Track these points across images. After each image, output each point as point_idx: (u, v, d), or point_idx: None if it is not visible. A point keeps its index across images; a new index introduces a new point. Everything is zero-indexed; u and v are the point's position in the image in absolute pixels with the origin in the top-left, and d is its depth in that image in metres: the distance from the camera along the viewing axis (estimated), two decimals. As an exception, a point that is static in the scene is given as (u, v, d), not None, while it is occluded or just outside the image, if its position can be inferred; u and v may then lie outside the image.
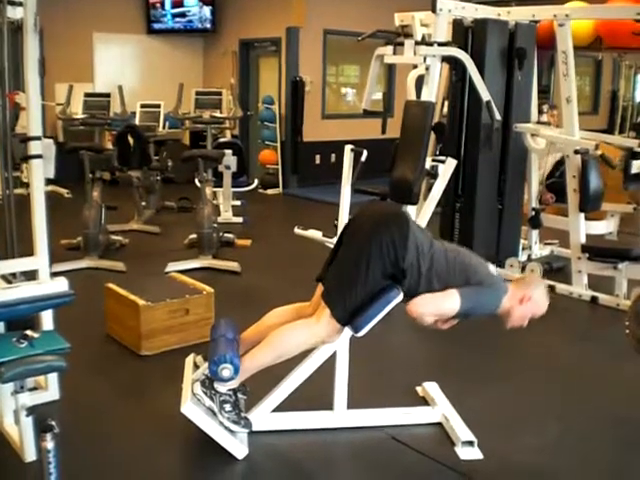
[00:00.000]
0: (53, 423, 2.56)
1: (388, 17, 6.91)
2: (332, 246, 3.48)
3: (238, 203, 8.78)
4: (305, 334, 3.25)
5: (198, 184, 6.96)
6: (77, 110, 8.92)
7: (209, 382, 3.23)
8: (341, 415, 3.47)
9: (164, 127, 9.87)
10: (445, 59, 5.71)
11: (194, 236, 6.53)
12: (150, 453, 3.28)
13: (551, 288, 5.83)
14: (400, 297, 3.17)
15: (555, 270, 6.31)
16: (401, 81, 8.42)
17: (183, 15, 11.47)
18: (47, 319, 3.50)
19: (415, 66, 6.47)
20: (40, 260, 3.47)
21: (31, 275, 3.47)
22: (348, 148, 5.68)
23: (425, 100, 5.54)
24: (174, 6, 11.42)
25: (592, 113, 14.53)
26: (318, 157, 11.12)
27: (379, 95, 10.17)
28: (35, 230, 3.46)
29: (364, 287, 3.14)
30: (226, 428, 3.18)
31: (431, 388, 3.83)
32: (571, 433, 3.56)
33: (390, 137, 6.15)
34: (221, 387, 3.22)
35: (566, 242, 6.06)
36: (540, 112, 6.97)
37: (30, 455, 3.02)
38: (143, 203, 8.02)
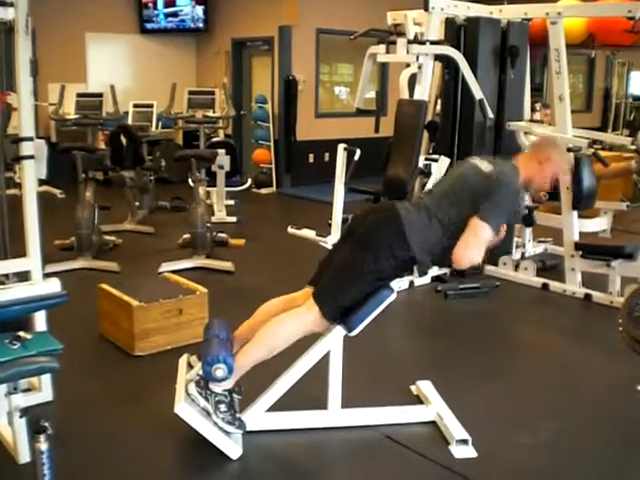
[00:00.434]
0: (47, 424, 2.55)
1: (381, 16, 6.92)
2: (327, 246, 3.51)
3: (232, 203, 8.77)
4: (295, 325, 3.26)
5: (191, 184, 6.95)
6: (70, 110, 8.92)
7: (204, 382, 3.23)
8: (335, 414, 3.46)
9: (157, 127, 9.84)
10: (438, 57, 5.73)
11: (188, 236, 6.52)
12: (145, 454, 3.27)
13: (545, 286, 5.85)
14: (393, 296, 3.18)
15: (549, 268, 6.32)
16: (394, 80, 8.41)
17: (175, 15, 11.44)
18: (40, 320, 3.48)
19: (408, 65, 6.48)
20: (33, 261, 3.46)
21: (24, 276, 3.46)
22: (341, 147, 5.69)
23: (418, 99, 5.55)
24: (166, 6, 11.38)
25: (585, 111, 14.54)
26: (311, 156, 11.11)
27: (372, 94, 10.17)
28: (28, 231, 3.45)
29: (357, 288, 3.17)
30: (220, 429, 3.17)
31: (425, 387, 3.83)
32: (565, 431, 3.56)
33: (383, 136, 6.17)
34: (216, 387, 3.22)
35: (560, 240, 6.07)
36: (533, 110, 6.99)
37: (24, 456, 3.01)
38: (136, 203, 8.00)
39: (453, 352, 4.60)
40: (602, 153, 6.12)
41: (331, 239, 5.37)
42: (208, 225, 6.43)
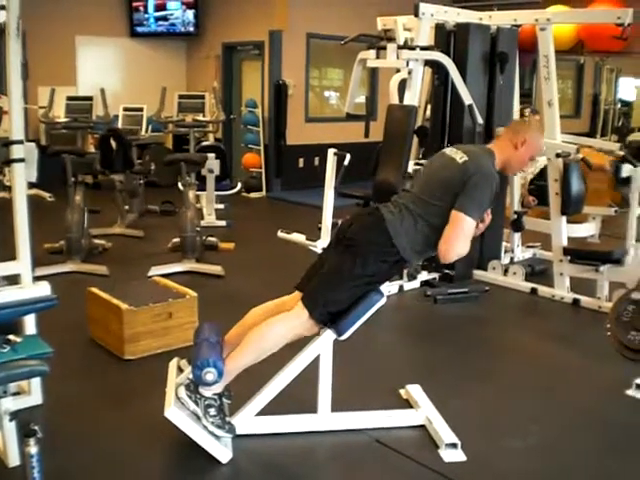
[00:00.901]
0: (36, 428, 2.56)
1: (371, 21, 6.94)
2: (316, 250, 3.52)
3: (221, 207, 8.77)
4: (284, 329, 3.26)
5: (181, 188, 6.94)
6: (60, 113, 8.92)
7: (194, 386, 3.22)
8: (325, 418, 3.47)
9: (147, 130, 9.85)
10: (428, 63, 5.75)
11: (177, 240, 6.51)
12: (134, 457, 3.27)
13: (533, 291, 5.88)
14: (383, 301, 3.20)
15: (537, 273, 6.35)
16: (384, 85, 8.44)
17: (166, 19, 11.45)
18: (30, 323, 3.47)
19: (398, 70, 6.50)
20: (22, 264, 3.45)
21: (13, 279, 3.45)
22: (331, 152, 5.70)
23: (408, 104, 5.57)
24: (157, 9, 11.39)
25: (574, 117, 14.62)
26: (301, 160, 11.12)
27: (362, 99, 10.18)
28: (17, 234, 3.44)
29: (347, 293, 3.20)
30: (210, 432, 3.17)
31: (414, 390, 3.84)
32: (554, 435, 3.58)
33: (373, 140, 6.18)
34: (206, 391, 3.22)
35: (548, 245, 6.10)
36: (522, 115, 7.02)
37: (14, 460, 3.00)
38: (126, 207, 7.98)
39: (442, 356, 4.61)
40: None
41: (321, 243, 5.38)
42: (198, 229, 6.43)
